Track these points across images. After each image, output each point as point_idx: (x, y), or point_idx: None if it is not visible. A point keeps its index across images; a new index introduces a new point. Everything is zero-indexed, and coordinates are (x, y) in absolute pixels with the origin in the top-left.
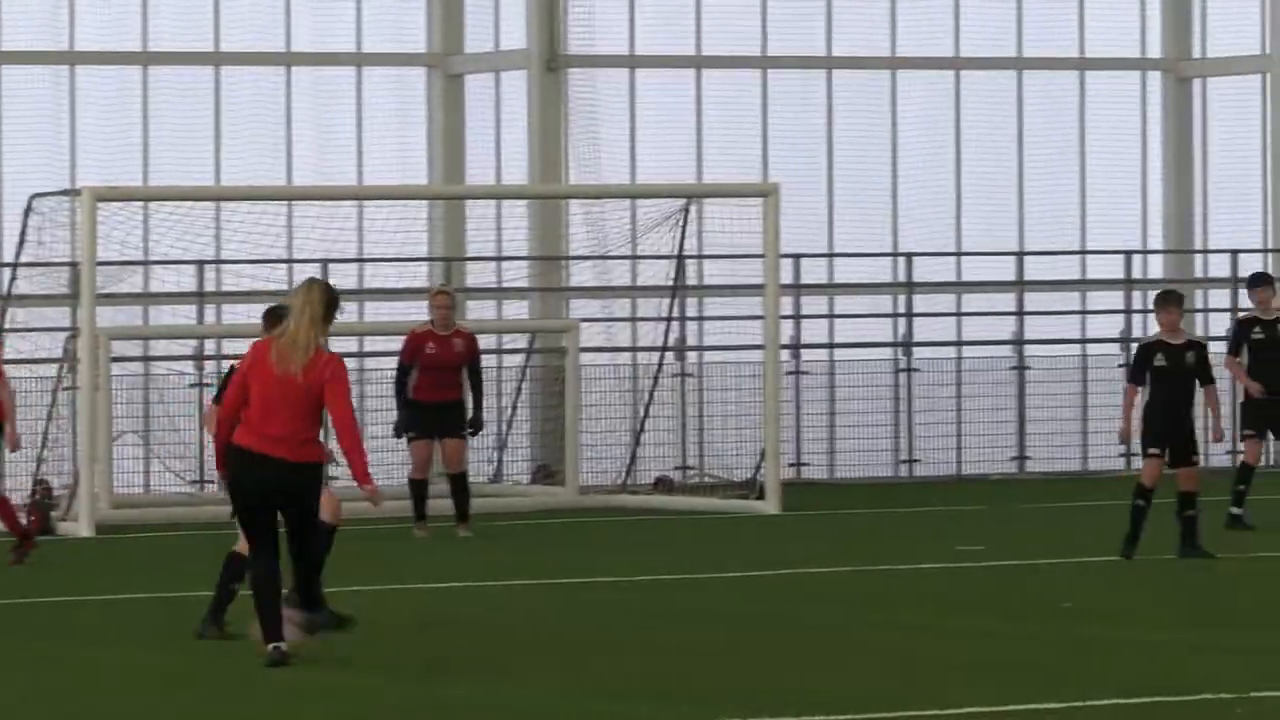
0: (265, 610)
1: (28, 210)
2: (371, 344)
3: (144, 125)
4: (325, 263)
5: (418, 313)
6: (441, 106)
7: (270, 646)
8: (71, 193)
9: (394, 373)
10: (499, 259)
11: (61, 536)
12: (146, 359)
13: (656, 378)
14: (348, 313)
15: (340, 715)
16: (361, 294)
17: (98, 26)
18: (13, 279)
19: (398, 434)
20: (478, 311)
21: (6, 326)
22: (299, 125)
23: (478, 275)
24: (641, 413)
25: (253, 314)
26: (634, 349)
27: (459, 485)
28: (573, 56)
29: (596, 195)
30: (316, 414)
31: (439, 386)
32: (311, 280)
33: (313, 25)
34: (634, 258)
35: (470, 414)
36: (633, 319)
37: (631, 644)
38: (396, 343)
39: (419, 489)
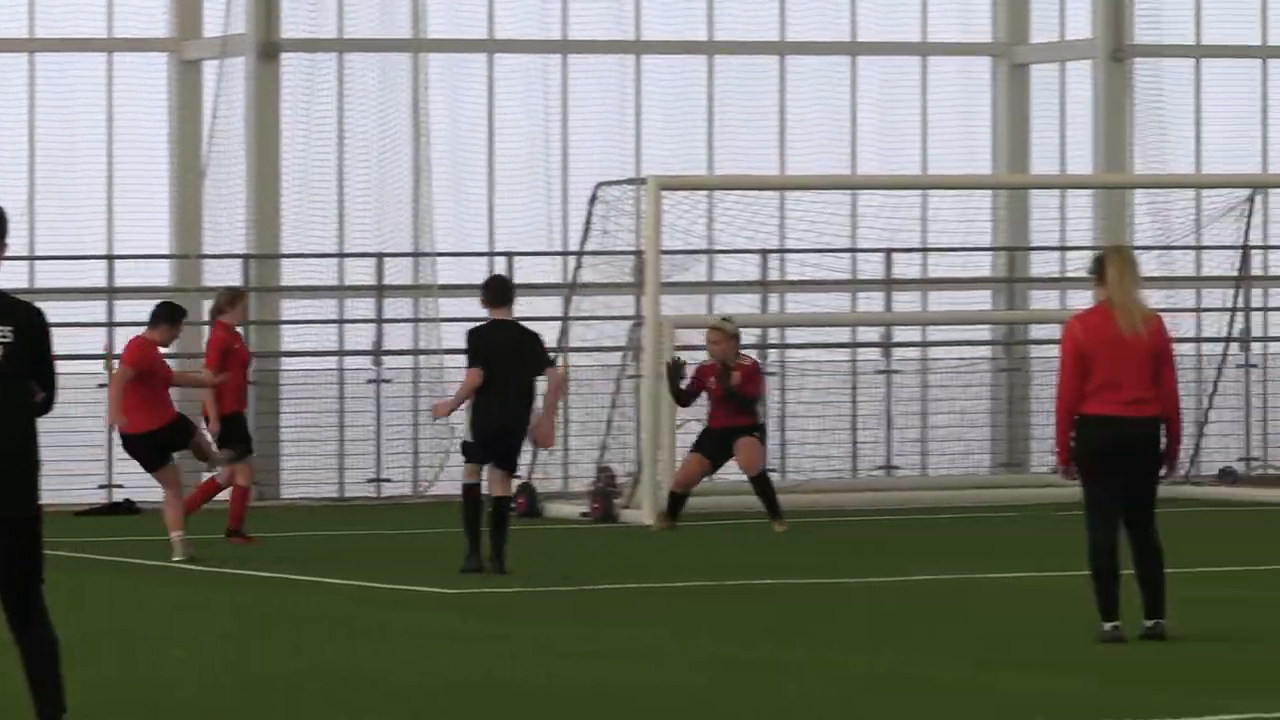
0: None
1: (593, 199)
2: (933, 333)
3: (709, 114)
4: (889, 251)
5: (979, 302)
6: (1006, 96)
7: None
8: (637, 181)
9: None
10: (1062, 249)
11: (624, 524)
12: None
13: (1220, 369)
14: (909, 302)
15: None
16: (925, 284)
17: (662, 15)
18: (577, 267)
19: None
20: (1041, 301)
21: (572, 314)
22: (864, 114)
23: (1041, 265)
24: (1205, 403)
25: (815, 304)
26: (1197, 340)
27: (758, 486)
28: (1139, 46)
29: (1162, 185)
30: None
31: (729, 414)
32: (1119, 247)
33: (878, 11)
34: (1198, 248)
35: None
36: (1197, 309)
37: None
38: (960, 333)
39: (675, 500)
